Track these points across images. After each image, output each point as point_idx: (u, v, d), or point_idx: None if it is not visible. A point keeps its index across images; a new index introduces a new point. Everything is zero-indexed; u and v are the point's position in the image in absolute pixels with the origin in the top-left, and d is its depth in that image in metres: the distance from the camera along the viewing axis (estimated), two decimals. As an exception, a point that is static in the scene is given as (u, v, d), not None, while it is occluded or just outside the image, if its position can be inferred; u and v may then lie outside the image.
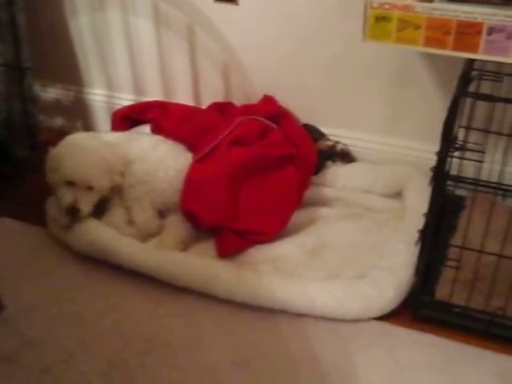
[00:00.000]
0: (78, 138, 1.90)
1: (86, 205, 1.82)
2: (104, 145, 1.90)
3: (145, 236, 1.86)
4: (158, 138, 2.04)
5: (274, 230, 1.86)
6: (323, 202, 2.02)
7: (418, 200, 1.85)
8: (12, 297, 1.68)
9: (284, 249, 1.82)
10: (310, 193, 2.00)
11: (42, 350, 1.55)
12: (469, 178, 1.48)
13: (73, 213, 1.81)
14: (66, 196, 1.81)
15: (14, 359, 1.52)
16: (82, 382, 1.47)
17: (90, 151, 1.83)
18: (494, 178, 1.56)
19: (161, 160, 1.93)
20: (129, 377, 1.48)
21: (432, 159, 1.50)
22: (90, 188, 1.82)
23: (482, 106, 1.41)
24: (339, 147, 2.13)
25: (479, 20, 1.29)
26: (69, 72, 2.49)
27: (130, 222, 1.88)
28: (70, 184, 1.80)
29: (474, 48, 1.32)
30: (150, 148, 1.97)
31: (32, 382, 1.46)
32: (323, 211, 1.98)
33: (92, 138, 1.92)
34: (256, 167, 1.92)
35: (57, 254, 1.86)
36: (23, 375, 1.48)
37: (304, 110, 2.17)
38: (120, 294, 1.72)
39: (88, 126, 2.53)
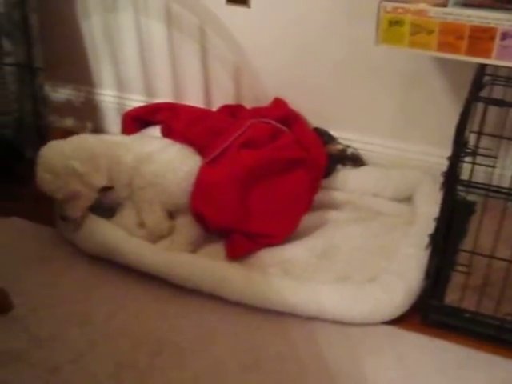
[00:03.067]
0: (50, 148, 1.85)
1: (73, 211, 1.82)
2: (75, 150, 1.86)
3: (155, 238, 1.86)
4: (167, 141, 2.05)
5: (284, 232, 1.86)
6: (333, 206, 2.02)
7: (428, 204, 1.85)
8: (21, 296, 1.69)
9: (293, 252, 1.82)
10: (320, 196, 2.01)
11: (50, 349, 1.55)
12: (480, 183, 1.47)
13: (65, 219, 1.83)
14: (57, 205, 1.84)
15: (23, 358, 1.53)
16: (91, 382, 1.47)
17: (52, 164, 1.80)
18: (506, 184, 1.55)
19: (170, 162, 1.93)
20: (138, 378, 1.48)
21: (442, 164, 1.50)
22: (71, 196, 1.82)
23: (493, 111, 1.41)
24: (349, 151, 2.13)
25: (493, 25, 1.29)
26: (80, 73, 2.50)
27: (141, 223, 1.88)
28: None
29: (487, 53, 1.32)
30: (158, 150, 1.97)
31: (40, 381, 1.47)
32: (333, 215, 1.98)
33: (66, 144, 1.88)
34: (266, 170, 1.92)
35: (67, 255, 1.87)
36: (32, 374, 1.49)
37: (314, 113, 2.17)
38: (129, 295, 1.72)
39: (98, 127, 2.55)
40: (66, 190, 1.80)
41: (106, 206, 1.93)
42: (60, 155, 1.81)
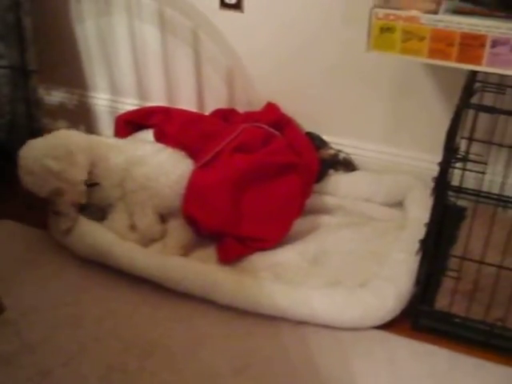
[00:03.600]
0: (28, 148, 1.86)
1: (62, 207, 1.83)
2: (51, 148, 1.86)
3: (147, 241, 1.87)
4: (159, 145, 2.05)
5: (276, 237, 1.86)
6: (325, 210, 2.03)
7: (419, 210, 1.86)
8: (13, 299, 1.69)
9: (285, 256, 1.83)
10: (311, 201, 2.01)
11: (41, 352, 1.55)
12: (470, 189, 1.48)
13: (57, 214, 1.84)
14: (49, 202, 1.84)
15: (14, 362, 1.53)
16: (82, 385, 1.47)
17: (30, 165, 1.80)
18: (496, 190, 1.56)
19: (162, 165, 1.94)
20: (128, 381, 1.48)
21: (433, 169, 1.51)
22: (55, 193, 1.82)
23: (484, 118, 1.42)
24: (341, 156, 2.13)
25: (483, 32, 1.30)
26: (73, 76, 2.50)
27: (132, 227, 1.89)
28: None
29: (477, 60, 1.33)
30: (151, 154, 1.97)
31: (32, 384, 1.47)
32: (325, 219, 1.99)
33: (42, 143, 1.88)
34: (258, 174, 1.92)
35: (58, 258, 1.87)
36: (23, 378, 1.49)
37: (307, 118, 2.18)
38: (120, 298, 1.72)
39: (92, 130, 2.54)
40: (48, 189, 1.80)
41: (96, 206, 1.93)
42: (36, 155, 1.81)
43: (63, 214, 1.84)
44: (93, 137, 2.03)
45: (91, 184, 1.90)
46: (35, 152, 1.82)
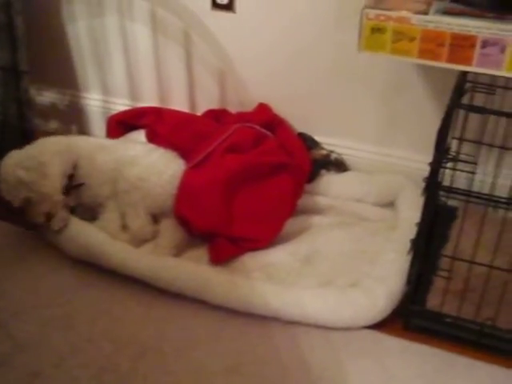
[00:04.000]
0: (6, 159, 1.88)
1: (36, 217, 1.84)
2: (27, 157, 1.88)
3: (139, 242, 1.86)
4: (150, 146, 2.05)
5: (268, 237, 1.86)
6: (316, 211, 2.03)
7: (411, 210, 1.86)
8: (4, 300, 1.69)
9: (277, 256, 1.83)
10: (303, 201, 2.01)
11: (33, 353, 1.55)
12: (461, 189, 1.49)
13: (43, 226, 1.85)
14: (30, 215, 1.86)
15: (5, 362, 1.52)
16: (73, 386, 1.47)
17: (4, 174, 1.84)
18: (486, 190, 1.57)
19: (154, 165, 1.94)
20: (120, 381, 1.48)
21: (424, 169, 1.51)
22: (28, 203, 1.83)
23: (474, 118, 1.42)
24: (333, 156, 2.14)
25: (473, 33, 1.30)
26: (65, 76, 2.49)
27: (124, 227, 1.88)
28: None
29: (467, 61, 1.33)
30: (142, 154, 1.97)
31: (23, 385, 1.47)
32: (316, 219, 1.99)
33: (20, 154, 1.89)
34: (250, 175, 1.92)
35: (49, 258, 1.86)
36: (14, 379, 1.48)
37: (299, 119, 2.18)
38: (112, 299, 1.72)
39: (83, 131, 2.54)
40: (20, 198, 1.83)
41: (85, 206, 1.94)
42: (11, 165, 1.84)
43: (39, 224, 1.84)
44: (74, 138, 2.05)
45: (76, 185, 1.91)
46: (10, 161, 1.85)
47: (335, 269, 1.78)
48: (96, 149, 1.98)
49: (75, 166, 1.92)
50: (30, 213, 1.84)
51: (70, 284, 1.78)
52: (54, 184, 1.85)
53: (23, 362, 1.52)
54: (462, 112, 1.39)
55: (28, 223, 1.90)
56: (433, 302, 1.60)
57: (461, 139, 1.42)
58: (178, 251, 1.85)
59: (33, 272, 1.82)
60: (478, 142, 1.50)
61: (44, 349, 1.57)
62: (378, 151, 2.12)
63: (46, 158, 1.86)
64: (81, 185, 1.92)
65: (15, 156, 1.87)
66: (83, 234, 1.82)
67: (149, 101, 2.39)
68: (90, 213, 1.93)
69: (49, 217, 1.83)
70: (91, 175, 1.93)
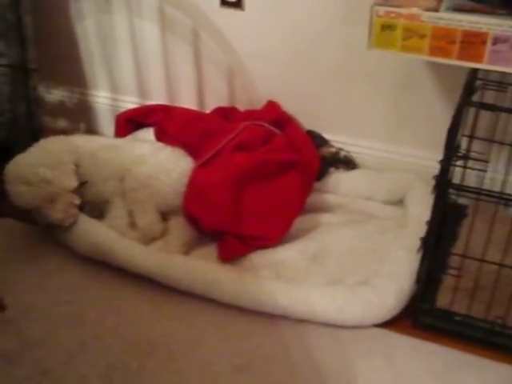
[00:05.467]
0: (17, 162, 1.88)
1: (56, 213, 1.83)
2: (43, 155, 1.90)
3: (147, 239, 1.86)
4: (158, 144, 2.06)
5: (276, 235, 1.86)
6: (325, 209, 2.03)
7: (420, 208, 1.86)
8: (13, 297, 1.69)
9: (286, 254, 1.82)
10: (312, 199, 2.01)
11: (42, 351, 1.56)
12: (471, 187, 1.48)
13: (54, 225, 1.84)
14: (38, 217, 1.86)
15: (14, 360, 1.53)
16: (82, 384, 1.47)
17: (24, 175, 1.82)
18: (497, 188, 1.55)
19: (162, 164, 1.94)
20: (129, 380, 1.48)
21: (434, 167, 1.50)
22: (48, 200, 1.83)
23: (485, 116, 1.41)
24: (342, 154, 2.13)
25: (484, 30, 1.30)
26: (73, 74, 2.49)
27: (133, 225, 1.89)
28: None
29: (478, 58, 1.33)
30: (150, 152, 1.97)
31: (31, 383, 1.47)
32: (325, 217, 1.98)
33: (29, 155, 1.90)
34: (259, 172, 1.92)
35: (59, 256, 1.87)
36: (23, 376, 1.49)
37: (308, 116, 2.18)
38: (121, 297, 1.72)
39: (92, 129, 2.54)
40: (42, 196, 1.82)
41: (91, 205, 1.94)
42: (27, 165, 1.84)
43: (57, 222, 1.84)
44: (73, 138, 2.05)
45: (80, 184, 1.91)
46: (26, 162, 1.85)
47: (344, 267, 1.78)
48: (97, 147, 1.99)
49: (77, 165, 1.92)
50: (46, 211, 1.83)
51: (79, 282, 1.78)
52: (73, 180, 1.88)
53: (32, 360, 1.53)
54: (472, 110, 1.38)
55: (38, 222, 1.90)
56: (442, 300, 1.60)
57: (471, 137, 1.41)
58: (187, 249, 1.85)
59: (42, 270, 1.82)
60: (489, 140, 1.49)
61: (53, 346, 1.57)
62: (387, 149, 2.11)
63: (64, 155, 1.89)
64: (84, 183, 1.92)
65: (28, 157, 1.88)
66: (92, 231, 1.83)
67: (157, 98, 2.39)
68: (95, 212, 1.93)
69: (66, 213, 1.84)
70: (93, 173, 1.93)
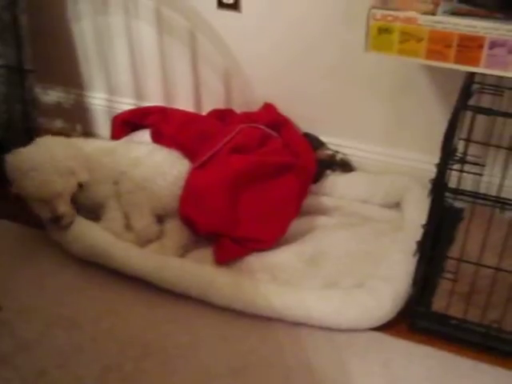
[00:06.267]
0: (34, 148, 1.87)
1: (64, 207, 1.82)
2: (58, 148, 1.87)
3: (143, 242, 1.86)
4: (154, 146, 2.05)
5: (273, 238, 1.86)
6: (322, 211, 2.02)
7: (417, 211, 1.86)
8: (9, 299, 1.69)
9: (282, 257, 1.82)
10: (308, 201, 2.01)
11: (37, 352, 1.55)
12: (468, 191, 1.48)
13: (57, 221, 1.82)
14: (43, 210, 1.82)
15: (9, 362, 1.52)
16: (77, 386, 1.47)
17: (44, 163, 1.80)
18: (493, 191, 1.56)
19: (159, 166, 1.94)
20: (124, 381, 1.48)
21: (431, 170, 1.51)
22: (59, 195, 1.82)
23: (482, 119, 1.41)
24: (339, 156, 2.13)
25: (481, 34, 1.30)
26: (70, 75, 2.49)
27: (128, 227, 1.88)
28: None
29: (475, 62, 1.33)
30: (146, 155, 1.97)
31: (27, 385, 1.47)
32: (322, 220, 1.98)
33: (49, 144, 1.90)
34: (255, 175, 1.92)
35: (54, 257, 1.86)
36: (18, 378, 1.48)
37: (304, 119, 2.18)
38: (117, 299, 1.72)
39: (88, 130, 2.54)
40: (71, 188, 1.83)
41: (85, 208, 1.93)
42: (54, 156, 1.82)
43: (67, 217, 1.83)
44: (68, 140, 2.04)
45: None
46: (52, 154, 1.83)
47: (340, 270, 1.77)
48: (92, 150, 1.98)
49: None
50: (59, 205, 1.82)
51: (75, 284, 1.78)
52: (87, 174, 1.89)
53: (27, 362, 1.52)
54: (468, 113, 1.38)
55: (35, 221, 1.90)
56: (438, 303, 1.60)
57: (468, 140, 1.41)
58: (183, 252, 1.85)
59: (37, 271, 1.82)
60: (485, 144, 1.50)
61: (48, 348, 1.56)
62: (383, 152, 2.11)
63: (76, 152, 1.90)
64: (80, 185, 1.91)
65: (52, 149, 1.85)
66: (88, 233, 1.82)
67: (154, 100, 2.38)
68: (91, 214, 1.92)
69: (70, 209, 1.85)
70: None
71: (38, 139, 1.92)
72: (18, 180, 1.81)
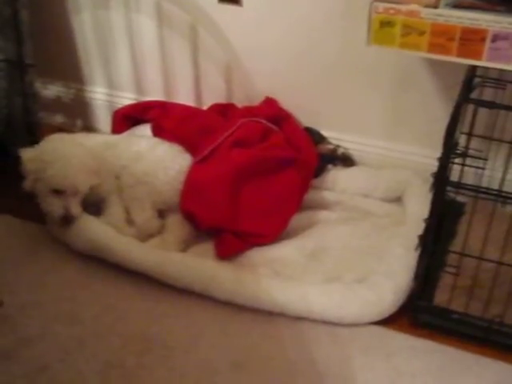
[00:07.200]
0: (55, 143, 1.88)
1: (77, 208, 1.83)
2: (80, 147, 1.90)
3: (144, 236, 1.86)
4: (155, 140, 2.05)
5: (274, 232, 1.86)
6: (323, 206, 2.02)
7: (418, 205, 1.86)
8: (10, 294, 1.69)
9: (283, 251, 1.82)
10: (310, 196, 2.01)
11: (39, 348, 1.55)
12: (469, 185, 1.47)
13: (67, 220, 1.82)
14: (56, 206, 1.81)
15: (11, 357, 1.52)
16: (79, 381, 1.47)
17: (72, 157, 1.82)
18: (495, 185, 1.55)
19: (159, 160, 1.93)
20: (126, 376, 1.48)
21: (432, 164, 1.50)
22: (76, 192, 1.82)
23: (484, 113, 1.41)
24: (340, 151, 2.13)
25: (483, 27, 1.29)
26: (70, 69, 2.49)
27: (130, 221, 1.88)
28: (57, 192, 1.80)
29: (477, 55, 1.32)
30: (148, 149, 1.97)
31: (29, 380, 1.46)
32: (323, 214, 1.98)
33: (69, 141, 1.92)
34: (257, 169, 1.92)
35: (56, 252, 1.86)
36: (20, 373, 1.48)
37: (306, 113, 2.17)
38: (119, 294, 1.72)
39: (88, 124, 2.54)
40: (86, 188, 1.85)
41: (88, 202, 1.92)
42: (82, 156, 1.86)
43: (76, 217, 1.83)
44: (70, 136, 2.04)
45: None
46: (73, 149, 1.85)
47: (342, 264, 1.77)
48: (94, 145, 1.97)
49: None
50: (72, 204, 1.82)
51: (77, 279, 1.78)
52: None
53: (29, 357, 1.52)
54: (470, 107, 1.38)
55: (37, 216, 1.89)
56: (440, 298, 1.59)
57: (470, 134, 1.40)
58: (185, 246, 1.85)
59: (39, 267, 1.82)
60: (487, 138, 1.49)
61: (50, 343, 1.56)
62: (385, 146, 2.11)
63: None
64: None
65: (78, 148, 1.88)
66: (90, 228, 1.82)
67: (154, 95, 2.38)
68: (92, 209, 1.92)
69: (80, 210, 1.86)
70: None
71: (49, 136, 1.93)
72: (39, 171, 1.80)
